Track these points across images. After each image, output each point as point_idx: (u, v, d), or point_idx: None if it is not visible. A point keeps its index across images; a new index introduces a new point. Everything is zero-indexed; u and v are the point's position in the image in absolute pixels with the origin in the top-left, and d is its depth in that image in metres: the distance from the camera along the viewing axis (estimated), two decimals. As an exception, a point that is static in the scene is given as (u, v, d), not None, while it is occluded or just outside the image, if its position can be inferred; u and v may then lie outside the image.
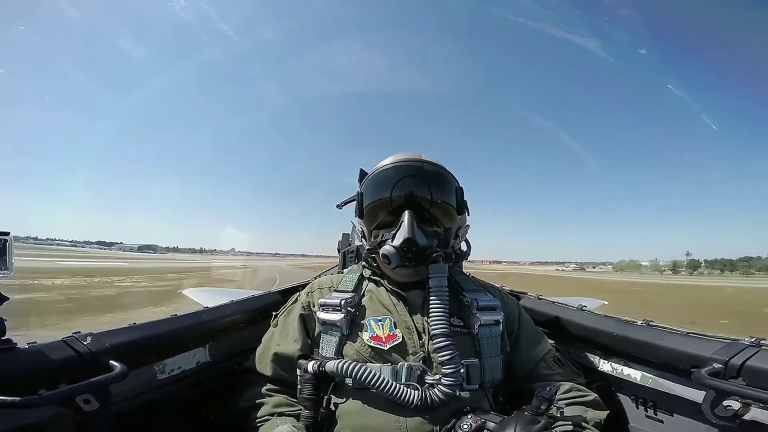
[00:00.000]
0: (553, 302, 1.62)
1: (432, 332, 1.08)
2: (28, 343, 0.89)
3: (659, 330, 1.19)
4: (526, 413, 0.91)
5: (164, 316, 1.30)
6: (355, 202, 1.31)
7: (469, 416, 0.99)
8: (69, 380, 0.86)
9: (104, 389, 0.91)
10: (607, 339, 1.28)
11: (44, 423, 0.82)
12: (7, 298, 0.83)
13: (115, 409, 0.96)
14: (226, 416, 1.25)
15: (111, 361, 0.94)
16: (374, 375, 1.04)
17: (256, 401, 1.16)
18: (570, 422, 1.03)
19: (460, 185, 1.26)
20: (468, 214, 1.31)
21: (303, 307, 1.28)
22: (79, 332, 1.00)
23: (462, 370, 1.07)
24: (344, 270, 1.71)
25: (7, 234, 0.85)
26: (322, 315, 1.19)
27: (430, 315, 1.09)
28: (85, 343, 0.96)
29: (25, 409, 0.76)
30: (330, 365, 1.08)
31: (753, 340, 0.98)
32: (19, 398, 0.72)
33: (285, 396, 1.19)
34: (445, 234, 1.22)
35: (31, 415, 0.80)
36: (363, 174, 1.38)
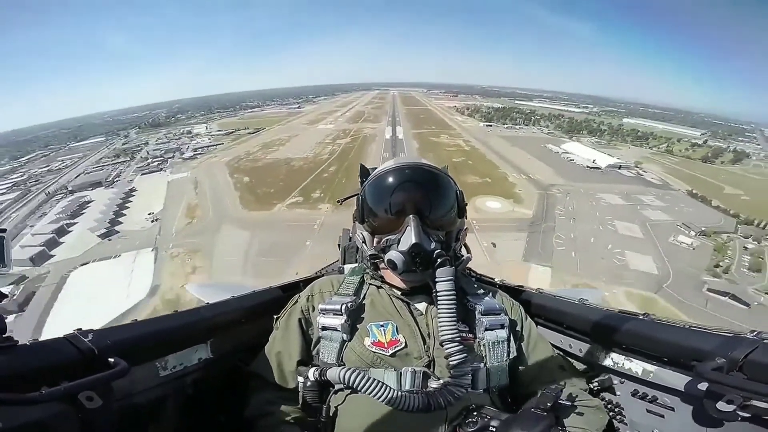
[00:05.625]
0: (554, 296, 1.61)
1: (442, 338, 1.06)
2: (29, 340, 0.89)
3: (660, 323, 1.19)
4: (531, 411, 0.91)
5: (166, 312, 1.30)
6: (355, 199, 1.29)
7: (474, 414, 0.99)
8: (71, 377, 0.85)
9: (107, 386, 0.91)
10: (608, 332, 1.28)
11: (47, 420, 0.82)
12: (6, 296, 0.82)
13: (117, 406, 0.96)
14: (228, 412, 1.26)
15: (113, 358, 0.94)
16: (375, 385, 1.02)
17: (261, 409, 1.17)
18: (573, 426, 1.03)
19: (460, 189, 1.26)
20: (466, 218, 1.31)
21: (302, 311, 1.28)
22: (81, 329, 0.99)
23: (468, 376, 1.07)
24: (345, 266, 1.71)
25: (4, 231, 0.84)
26: (322, 320, 1.19)
27: (439, 320, 1.08)
28: (86, 339, 0.95)
29: (28, 406, 0.75)
30: (331, 373, 1.08)
31: (755, 334, 0.98)
32: (21, 395, 0.72)
33: (288, 403, 1.19)
34: (446, 238, 1.22)
35: (34, 412, 0.80)
36: (364, 170, 1.37)
